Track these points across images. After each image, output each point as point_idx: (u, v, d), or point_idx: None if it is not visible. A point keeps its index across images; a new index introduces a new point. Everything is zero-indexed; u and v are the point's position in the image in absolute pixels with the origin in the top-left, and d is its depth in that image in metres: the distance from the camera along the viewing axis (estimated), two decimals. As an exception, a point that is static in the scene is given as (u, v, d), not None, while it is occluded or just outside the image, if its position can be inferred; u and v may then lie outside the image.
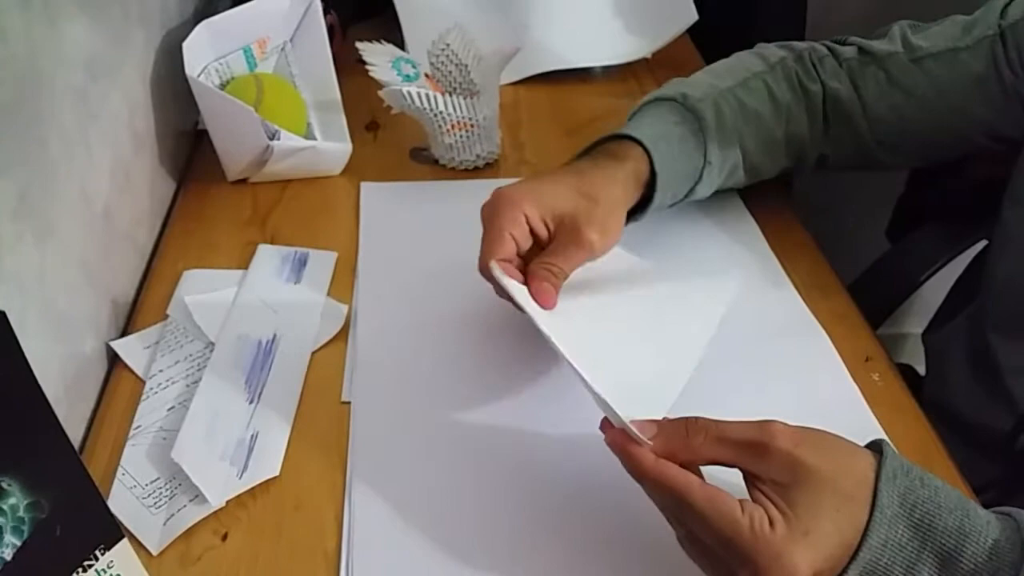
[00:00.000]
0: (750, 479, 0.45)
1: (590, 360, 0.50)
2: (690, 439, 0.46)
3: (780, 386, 0.63)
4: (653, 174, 0.66)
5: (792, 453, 0.43)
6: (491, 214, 0.59)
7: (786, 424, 0.45)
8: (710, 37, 1.07)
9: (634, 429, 0.47)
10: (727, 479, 0.46)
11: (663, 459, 0.46)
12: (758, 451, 0.44)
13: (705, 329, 0.57)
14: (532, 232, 0.59)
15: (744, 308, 0.69)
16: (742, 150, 0.73)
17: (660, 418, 0.48)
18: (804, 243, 0.78)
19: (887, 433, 0.60)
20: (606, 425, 0.48)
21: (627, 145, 0.67)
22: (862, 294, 0.75)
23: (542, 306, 0.56)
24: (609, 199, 0.62)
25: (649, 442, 0.46)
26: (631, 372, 0.52)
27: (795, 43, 0.78)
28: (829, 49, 0.77)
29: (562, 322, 0.54)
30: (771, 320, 0.69)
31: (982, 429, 0.72)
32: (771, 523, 0.43)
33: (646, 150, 0.66)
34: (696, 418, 0.47)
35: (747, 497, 0.45)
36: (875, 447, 0.46)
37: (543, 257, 0.58)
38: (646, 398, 0.50)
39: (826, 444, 0.45)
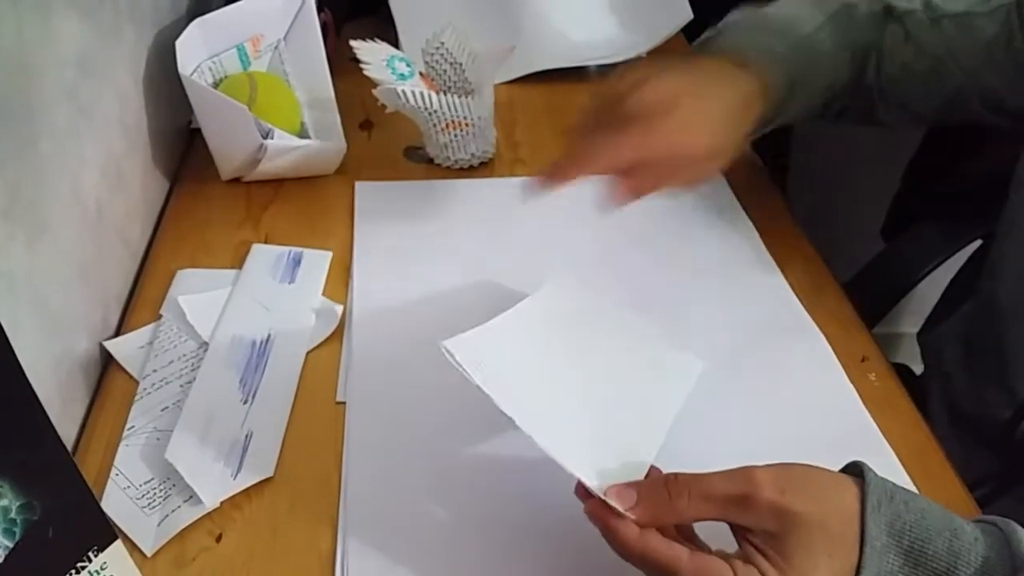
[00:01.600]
0: (738, 531, 0.45)
1: (556, 431, 0.48)
2: (674, 502, 0.45)
3: (776, 387, 0.63)
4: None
5: (779, 503, 0.43)
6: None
7: (767, 468, 0.44)
8: (701, 32, 1.07)
9: (613, 502, 0.45)
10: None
11: (647, 530, 0.44)
12: (744, 504, 0.43)
13: (669, 405, 0.55)
14: None
15: (740, 309, 0.70)
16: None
17: (639, 478, 0.47)
18: (799, 243, 0.78)
19: (883, 433, 0.60)
20: (583, 493, 0.47)
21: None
22: (857, 294, 0.74)
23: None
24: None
25: (630, 515, 0.45)
26: (604, 434, 0.50)
27: None
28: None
29: (524, 392, 0.50)
30: (767, 321, 0.69)
31: (980, 420, 0.72)
32: None
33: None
34: (675, 475, 0.46)
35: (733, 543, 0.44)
36: (855, 470, 0.45)
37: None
38: (624, 458, 0.49)
39: (810, 485, 0.44)
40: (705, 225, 0.79)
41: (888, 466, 0.58)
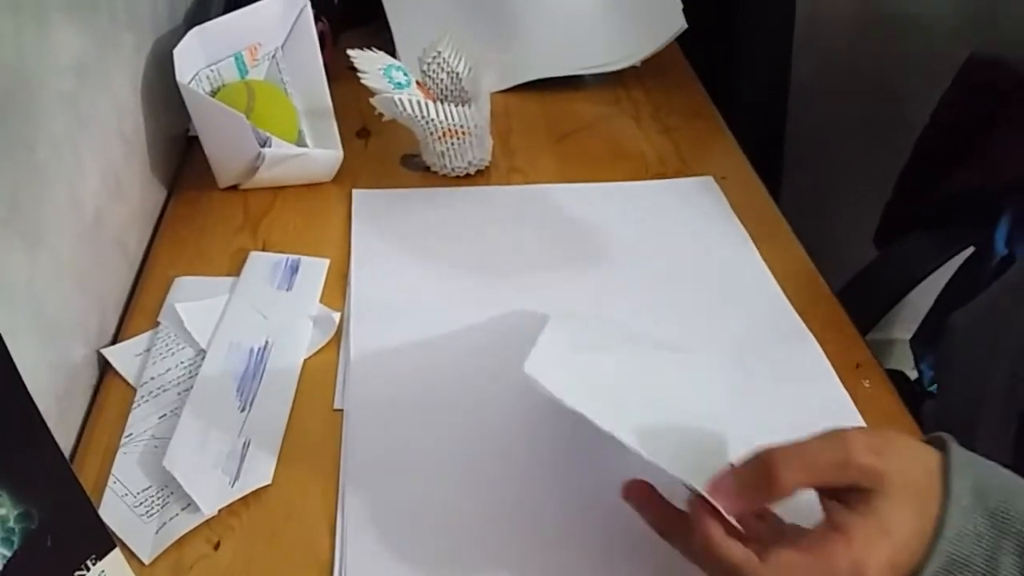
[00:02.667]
0: (827, 493, 0.45)
1: (648, 438, 0.49)
2: (779, 477, 0.44)
3: (771, 394, 0.63)
4: None
5: (875, 464, 0.43)
6: None
7: (857, 431, 0.45)
8: (698, 44, 1.08)
9: (714, 499, 0.45)
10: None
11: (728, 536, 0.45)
12: (841, 468, 0.44)
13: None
14: None
15: (734, 316, 0.70)
16: None
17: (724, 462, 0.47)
18: (793, 250, 0.79)
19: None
20: (637, 492, 0.48)
21: None
22: (850, 300, 0.75)
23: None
24: None
25: (732, 507, 0.45)
26: (677, 425, 0.52)
27: None
28: None
29: (605, 403, 0.50)
30: (761, 328, 0.69)
31: (984, 425, 0.72)
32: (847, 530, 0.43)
33: None
34: (771, 451, 0.45)
35: None
36: (936, 442, 0.46)
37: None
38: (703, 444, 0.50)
39: (900, 447, 0.45)
40: (700, 234, 0.80)
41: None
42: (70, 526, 0.43)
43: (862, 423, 0.61)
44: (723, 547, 0.44)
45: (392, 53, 0.89)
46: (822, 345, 0.67)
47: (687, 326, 0.69)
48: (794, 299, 0.72)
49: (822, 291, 0.74)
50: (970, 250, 0.94)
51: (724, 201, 0.84)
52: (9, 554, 0.39)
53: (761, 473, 0.45)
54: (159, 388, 0.62)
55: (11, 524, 0.39)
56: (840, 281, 0.88)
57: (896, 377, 0.91)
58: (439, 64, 0.85)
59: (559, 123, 0.97)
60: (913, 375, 0.98)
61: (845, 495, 0.44)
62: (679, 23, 1.02)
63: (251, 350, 0.65)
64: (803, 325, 0.69)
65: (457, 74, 0.86)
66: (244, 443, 0.58)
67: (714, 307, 0.71)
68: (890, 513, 0.43)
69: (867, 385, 0.65)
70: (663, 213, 0.83)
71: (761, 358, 0.66)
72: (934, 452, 0.45)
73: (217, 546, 0.53)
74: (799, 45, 1.31)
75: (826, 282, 0.75)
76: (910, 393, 0.83)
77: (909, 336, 1.05)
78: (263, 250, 0.76)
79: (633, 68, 1.04)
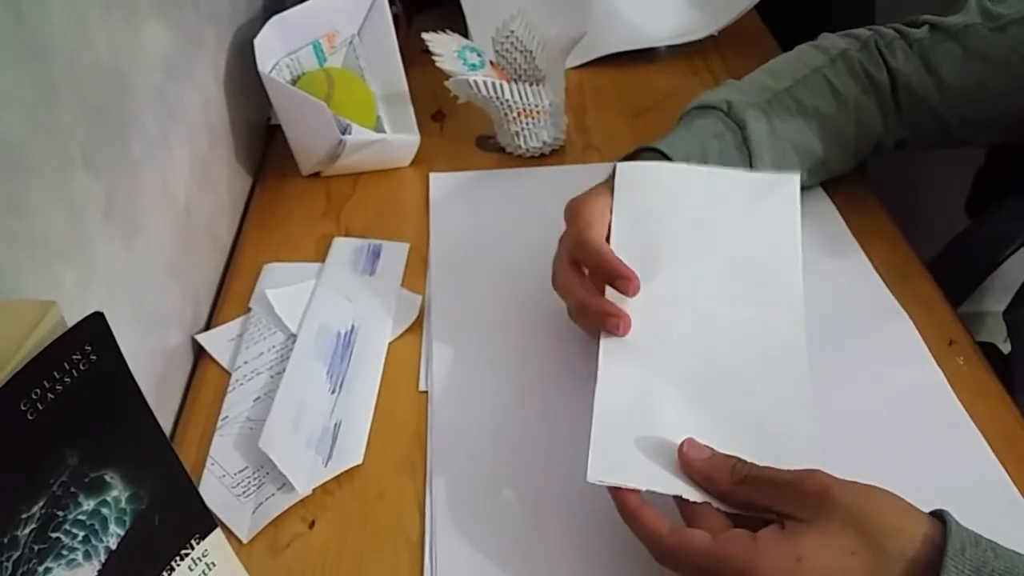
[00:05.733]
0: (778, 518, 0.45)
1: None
2: (732, 473, 0.47)
3: (862, 372, 0.62)
4: None
5: (818, 498, 0.43)
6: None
7: (844, 481, 0.44)
8: (779, 11, 1.05)
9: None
10: None
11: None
12: (789, 488, 0.44)
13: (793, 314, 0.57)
14: None
15: (824, 293, 0.68)
16: (803, 151, 0.71)
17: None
18: (883, 224, 0.76)
19: (971, 417, 0.58)
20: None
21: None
22: (941, 273, 0.72)
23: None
24: None
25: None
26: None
27: (860, 30, 0.75)
28: (898, 32, 0.74)
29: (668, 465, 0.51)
30: (852, 305, 0.67)
31: None
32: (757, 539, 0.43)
33: None
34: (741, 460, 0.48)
35: None
36: (937, 516, 0.43)
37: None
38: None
39: (872, 495, 0.43)
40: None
41: (978, 453, 0.56)
42: (175, 506, 0.45)
43: (955, 402, 0.60)
44: (639, 513, 0.46)
45: (464, 34, 0.89)
46: (913, 321, 0.66)
47: (776, 303, 0.67)
48: (884, 273, 0.70)
49: (914, 264, 0.72)
50: (1069, 217, 0.90)
51: (809, 174, 0.82)
52: (122, 533, 0.41)
53: (725, 464, 0.48)
54: (253, 372, 0.64)
55: (123, 505, 0.41)
56: (930, 252, 0.85)
57: (989, 351, 0.88)
58: (512, 43, 0.85)
59: (635, 98, 0.96)
60: (1006, 348, 0.94)
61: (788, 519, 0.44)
62: (759, -9, 0.99)
63: (338, 333, 0.66)
64: (894, 300, 0.67)
65: (530, 52, 0.85)
66: (335, 424, 0.60)
67: (803, 283, 0.70)
68: (812, 543, 0.42)
69: (961, 362, 0.63)
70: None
71: (852, 336, 0.64)
72: (923, 519, 0.43)
73: (312, 524, 0.55)
74: (882, 9, 1.27)
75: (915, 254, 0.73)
76: (1003, 367, 0.80)
77: (1002, 308, 1.01)
78: (346, 235, 0.77)
79: (711, 37, 1.02)
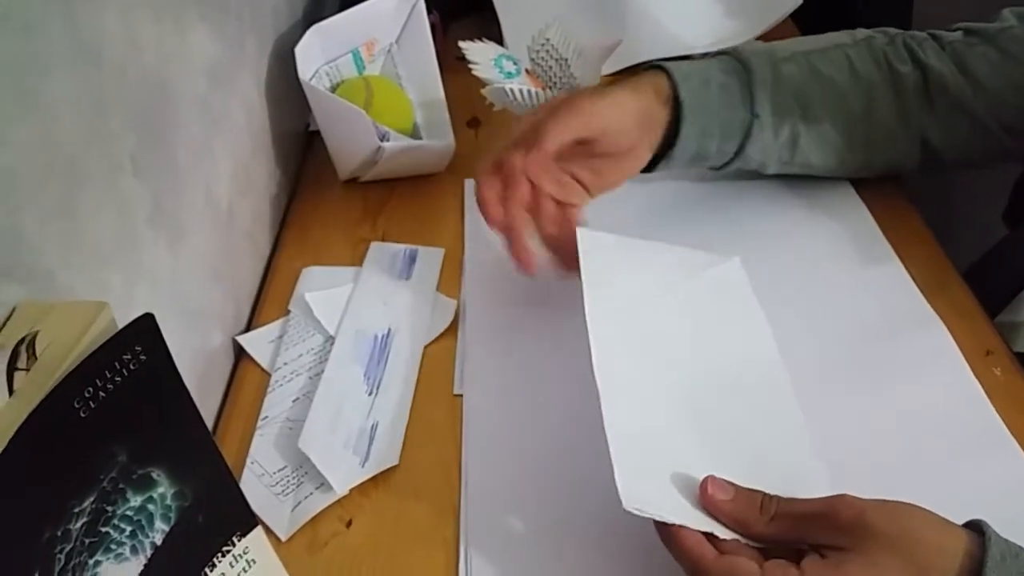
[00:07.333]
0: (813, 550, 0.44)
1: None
2: (761, 512, 0.46)
3: (897, 383, 0.61)
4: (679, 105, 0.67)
5: (854, 526, 0.42)
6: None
7: (874, 500, 0.44)
8: (813, 18, 1.04)
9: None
10: None
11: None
12: (818, 519, 0.44)
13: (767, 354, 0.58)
14: None
15: (860, 302, 0.68)
16: (808, 118, 0.70)
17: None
18: (920, 232, 0.76)
19: (1008, 428, 0.58)
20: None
21: (654, 73, 0.68)
22: (978, 282, 0.72)
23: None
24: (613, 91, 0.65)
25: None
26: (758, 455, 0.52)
27: (892, 28, 0.75)
28: (930, 34, 0.73)
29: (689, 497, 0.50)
30: (888, 315, 0.67)
31: None
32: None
33: (672, 80, 0.67)
34: (768, 495, 0.47)
35: None
36: (974, 526, 0.43)
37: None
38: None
39: (905, 514, 0.43)
40: (820, 213, 0.77)
41: (1016, 464, 0.56)
42: (218, 504, 0.46)
43: (992, 412, 0.59)
44: (680, 535, 0.46)
45: (499, 41, 0.90)
46: (950, 330, 0.65)
47: (808, 310, 0.67)
48: (920, 281, 0.70)
49: (950, 273, 0.72)
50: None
51: (846, 181, 0.81)
52: (167, 529, 0.42)
53: (753, 501, 0.46)
54: (292, 373, 0.66)
55: (168, 502, 0.42)
56: (966, 261, 0.84)
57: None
58: (548, 51, 0.85)
59: (669, 106, 0.96)
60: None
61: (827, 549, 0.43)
62: (795, -1, 0.99)
63: (375, 336, 0.67)
64: (930, 309, 0.67)
65: (566, 60, 0.86)
66: (372, 425, 0.61)
67: (836, 290, 0.70)
68: (858, 571, 0.41)
69: (998, 373, 0.62)
70: (781, 194, 0.81)
71: (886, 344, 0.64)
72: (960, 533, 0.42)
73: (349, 524, 0.56)
74: (919, 19, 1.26)
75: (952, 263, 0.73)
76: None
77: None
78: (383, 240, 0.78)
79: (746, 46, 1.01)
